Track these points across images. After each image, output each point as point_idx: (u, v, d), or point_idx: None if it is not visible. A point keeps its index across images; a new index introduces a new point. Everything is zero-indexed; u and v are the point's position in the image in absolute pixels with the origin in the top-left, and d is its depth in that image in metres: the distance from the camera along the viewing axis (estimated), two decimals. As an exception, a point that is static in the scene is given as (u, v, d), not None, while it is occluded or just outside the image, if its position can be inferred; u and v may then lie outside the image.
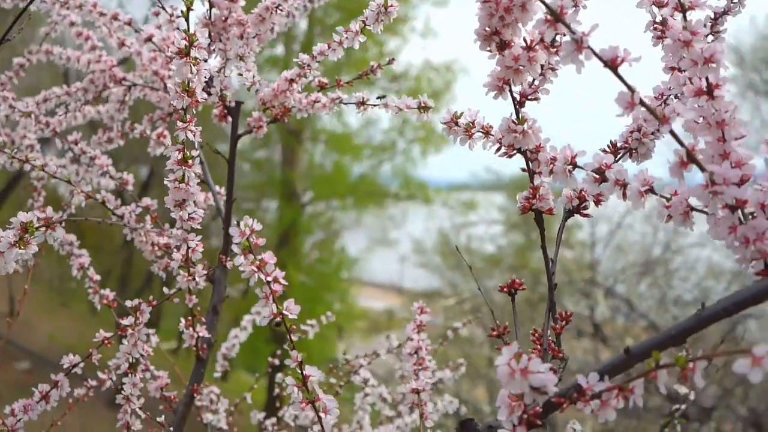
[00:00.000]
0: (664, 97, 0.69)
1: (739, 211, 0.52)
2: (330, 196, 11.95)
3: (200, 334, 0.97)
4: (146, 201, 1.05)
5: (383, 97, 0.70)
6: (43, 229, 0.67)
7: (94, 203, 1.05)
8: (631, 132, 0.68)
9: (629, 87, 0.51)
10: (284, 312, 0.63)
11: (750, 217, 0.51)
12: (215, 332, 1.01)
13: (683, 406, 1.10)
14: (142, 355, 0.98)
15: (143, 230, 0.99)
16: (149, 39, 1.07)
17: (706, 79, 0.53)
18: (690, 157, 0.51)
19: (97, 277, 1.09)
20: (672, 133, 0.51)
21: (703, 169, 0.51)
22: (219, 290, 1.02)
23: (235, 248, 0.61)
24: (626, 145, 0.68)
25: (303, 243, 11.55)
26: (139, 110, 1.33)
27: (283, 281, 0.63)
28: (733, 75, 9.08)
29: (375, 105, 0.95)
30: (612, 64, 0.51)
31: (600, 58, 0.51)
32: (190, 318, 0.96)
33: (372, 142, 12.52)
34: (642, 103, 0.50)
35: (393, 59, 1.00)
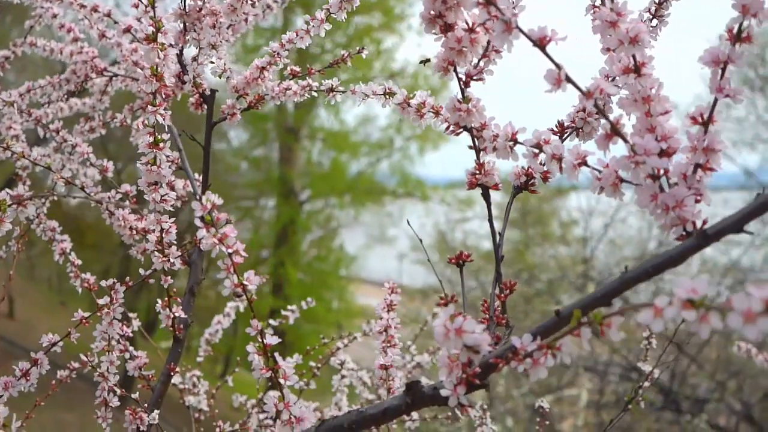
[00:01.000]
0: (609, 78, 0.72)
1: (664, 181, 0.56)
2: (328, 193, 11.99)
3: (176, 315, 1.00)
4: (125, 187, 1.09)
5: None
6: (15, 206, 0.71)
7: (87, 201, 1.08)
8: (577, 112, 0.72)
9: (557, 65, 0.54)
10: (245, 283, 0.66)
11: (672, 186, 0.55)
12: (191, 313, 1.04)
13: (646, 383, 1.14)
14: (120, 335, 1.01)
15: (121, 215, 1.03)
16: (128, 30, 1.10)
17: (633, 57, 0.57)
18: (614, 130, 0.54)
19: (79, 262, 1.13)
20: (597, 107, 0.54)
21: (626, 141, 0.54)
22: (195, 272, 1.05)
23: (197, 222, 0.64)
24: (572, 125, 0.72)
25: (301, 241, 11.59)
26: (120, 102, 1.36)
27: (243, 253, 0.66)
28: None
29: (342, 92, 0.98)
30: (540, 43, 0.54)
31: (529, 38, 0.54)
32: (166, 299, 0.99)
33: (369, 139, 12.56)
34: (568, 79, 0.54)
35: (363, 48, 1.03)
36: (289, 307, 1.39)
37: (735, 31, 0.55)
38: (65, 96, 1.23)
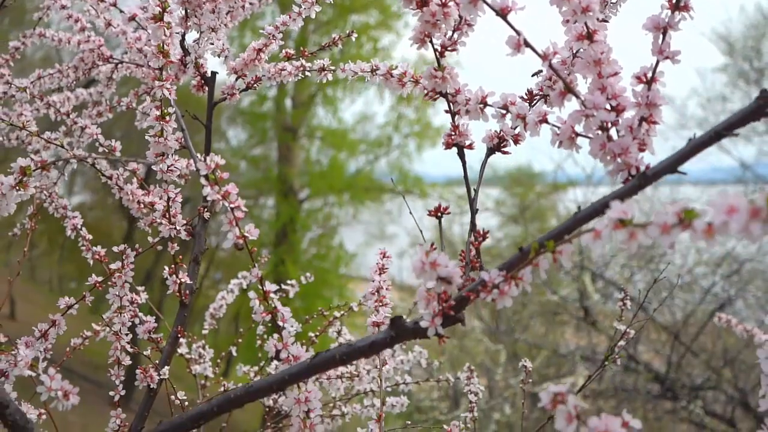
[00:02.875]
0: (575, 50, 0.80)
1: (613, 132, 0.64)
2: (327, 192, 12.05)
3: (183, 281, 1.08)
4: (132, 165, 1.16)
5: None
6: (40, 170, 0.78)
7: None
8: (545, 81, 0.79)
9: (516, 31, 0.62)
10: (246, 234, 0.74)
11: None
12: (196, 280, 1.12)
13: (622, 343, 1.21)
14: (130, 301, 1.09)
15: (129, 189, 1.10)
16: (133, 18, 1.17)
17: (585, 25, 0.64)
18: (567, 88, 0.62)
19: (90, 236, 1.20)
20: (552, 68, 0.62)
21: (578, 97, 0.62)
22: (199, 242, 1.12)
23: (202, 180, 0.72)
24: (540, 92, 0.79)
25: (301, 239, 11.65)
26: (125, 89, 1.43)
27: (244, 208, 0.74)
28: (723, 64, 9.15)
29: (333, 70, 1.06)
30: (503, 12, 0.62)
31: (492, 8, 0.62)
32: (173, 266, 1.07)
33: (368, 137, 12.63)
34: (526, 43, 0.61)
35: (352, 32, 1.11)
36: (288, 281, 1.47)
37: (674, 0, 0.62)
38: (74, 83, 1.31)
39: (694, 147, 0.57)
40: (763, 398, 0.59)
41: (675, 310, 7.17)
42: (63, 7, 1.31)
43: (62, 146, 1.08)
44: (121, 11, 1.21)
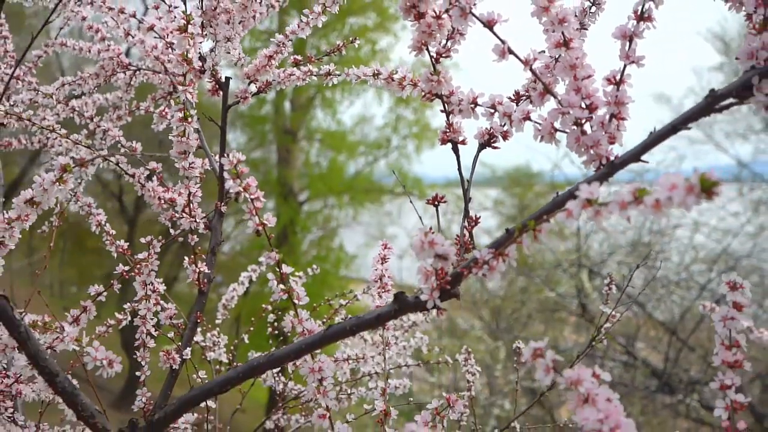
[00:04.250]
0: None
1: (587, 127, 0.73)
2: (326, 194, 12.14)
3: (201, 270, 1.17)
4: (152, 164, 1.26)
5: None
6: (78, 167, 0.87)
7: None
8: (530, 83, 0.89)
9: (501, 40, 0.71)
10: (264, 222, 0.83)
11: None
12: (213, 270, 1.21)
13: (607, 324, 1.30)
14: (152, 290, 1.18)
15: (151, 186, 1.19)
16: (151, 28, 1.27)
17: (563, 34, 0.74)
18: (546, 89, 0.71)
19: (113, 231, 1.29)
20: (533, 71, 0.71)
21: (555, 97, 0.72)
22: (216, 235, 1.22)
23: (226, 174, 0.81)
24: (526, 93, 0.89)
25: (301, 241, 11.74)
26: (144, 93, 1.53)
27: (262, 199, 0.83)
28: (719, 63, 9.24)
29: (338, 75, 1.15)
30: (489, 24, 0.71)
31: (480, 20, 0.71)
32: (192, 256, 1.16)
33: (367, 139, 12.72)
34: (510, 51, 0.71)
35: (355, 38, 1.20)
36: (296, 273, 1.55)
37: (639, 12, 0.72)
38: (95, 89, 1.40)
39: (655, 139, 0.67)
40: (716, 355, 0.68)
41: (672, 307, 7.27)
42: (84, 18, 1.40)
43: (89, 147, 1.17)
44: (140, 21, 1.31)
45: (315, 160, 12.58)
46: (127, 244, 1.25)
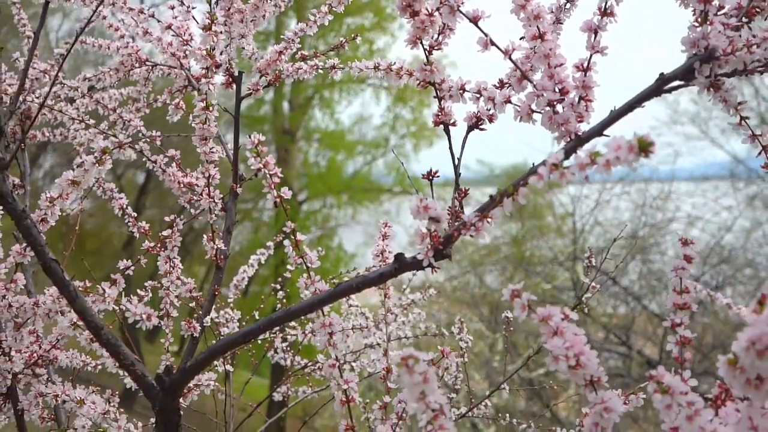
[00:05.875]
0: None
1: (559, 108, 0.85)
2: (325, 193, 12.25)
3: (218, 247, 1.29)
4: (171, 152, 1.37)
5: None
6: (117, 149, 0.99)
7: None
8: (512, 71, 1.00)
9: (485, 33, 0.83)
10: (282, 194, 0.95)
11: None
12: (229, 247, 1.33)
13: (588, 294, 1.42)
14: (173, 266, 1.30)
15: (171, 171, 1.31)
16: (169, 27, 1.38)
17: (538, 28, 0.86)
18: (523, 75, 0.83)
19: (135, 214, 1.41)
20: (512, 60, 0.83)
21: (531, 82, 0.83)
22: (231, 216, 1.33)
23: (248, 153, 0.93)
24: (508, 81, 1.00)
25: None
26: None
27: (280, 175, 0.95)
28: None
29: (342, 68, 1.27)
30: (474, 20, 0.83)
31: (467, 17, 0.83)
32: (210, 234, 1.28)
33: (365, 139, 12.83)
34: (492, 43, 0.83)
35: (356, 35, 1.32)
36: (289, 267, 1.67)
37: (602, 8, 0.84)
38: (115, 83, 1.52)
39: (614, 116, 0.79)
40: (669, 299, 0.80)
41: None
42: (104, 17, 1.52)
43: (114, 136, 1.29)
44: (159, 21, 1.42)
45: (313, 160, 12.70)
46: (148, 226, 1.36)
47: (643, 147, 0.59)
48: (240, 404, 1.84)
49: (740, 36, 0.77)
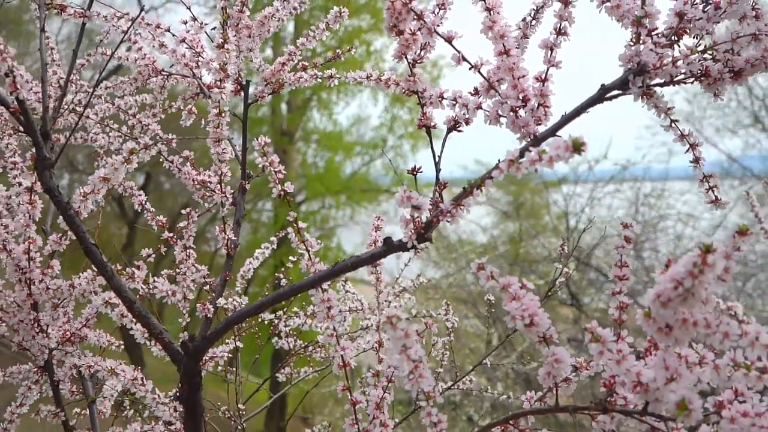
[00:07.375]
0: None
1: (522, 113, 1.00)
2: (324, 194, 12.39)
3: (229, 237, 1.44)
4: (185, 153, 1.53)
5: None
6: (144, 149, 1.15)
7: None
8: (482, 82, 1.16)
9: (457, 51, 0.99)
10: (285, 189, 1.11)
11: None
12: (238, 237, 1.48)
13: (561, 279, 1.57)
14: (187, 256, 1.45)
15: (186, 170, 1.47)
16: (183, 40, 1.54)
17: (503, 45, 1.01)
18: (490, 85, 0.99)
19: (153, 210, 1.57)
20: (480, 73, 0.99)
21: (497, 91, 0.99)
22: (240, 209, 1.49)
23: (255, 153, 1.09)
24: (480, 90, 1.16)
25: (300, 240, 11.97)
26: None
27: (283, 171, 1.10)
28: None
29: (338, 77, 1.42)
30: (448, 39, 0.99)
31: (442, 37, 0.98)
32: (222, 225, 1.44)
33: (363, 139, 12.98)
34: (464, 58, 0.98)
35: (352, 47, 1.48)
36: (291, 258, 1.83)
37: (557, 28, 0.99)
38: (134, 91, 1.67)
39: (564, 121, 0.94)
40: (611, 271, 0.95)
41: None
42: (124, 32, 1.68)
43: (135, 139, 1.44)
44: (174, 35, 1.58)
45: (312, 161, 12.84)
46: (165, 219, 1.52)
47: (577, 146, 0.75)
48: (245, 387, 2.00)
49: (671, 52, 0.93)
